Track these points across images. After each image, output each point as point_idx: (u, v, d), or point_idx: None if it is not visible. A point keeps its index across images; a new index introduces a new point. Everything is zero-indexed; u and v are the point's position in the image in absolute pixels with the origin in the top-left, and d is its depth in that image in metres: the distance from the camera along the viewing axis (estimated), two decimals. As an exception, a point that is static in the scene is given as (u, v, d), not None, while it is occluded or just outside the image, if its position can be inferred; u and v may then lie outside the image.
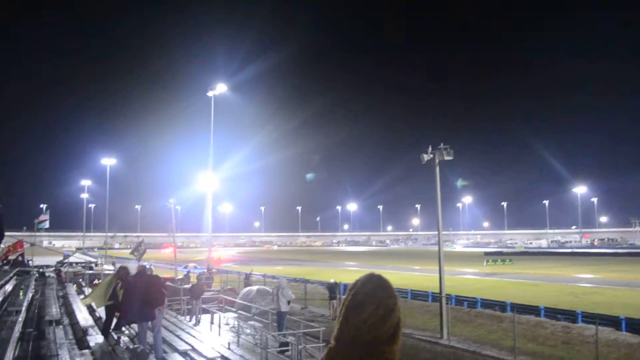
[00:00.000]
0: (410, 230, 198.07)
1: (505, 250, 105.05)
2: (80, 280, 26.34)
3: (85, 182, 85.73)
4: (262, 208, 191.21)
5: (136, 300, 10.64)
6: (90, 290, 12.74)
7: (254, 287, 24.10)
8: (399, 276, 40.86)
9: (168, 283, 22.03)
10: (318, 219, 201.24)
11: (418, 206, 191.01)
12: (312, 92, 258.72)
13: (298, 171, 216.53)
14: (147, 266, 34.48)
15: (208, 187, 37.39)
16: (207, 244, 43.98)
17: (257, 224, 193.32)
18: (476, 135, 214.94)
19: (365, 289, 1.41)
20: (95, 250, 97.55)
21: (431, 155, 21.30)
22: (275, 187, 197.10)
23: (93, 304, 12.81)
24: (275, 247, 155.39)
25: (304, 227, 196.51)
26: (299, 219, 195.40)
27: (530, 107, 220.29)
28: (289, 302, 17.01)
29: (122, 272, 11.29)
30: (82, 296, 15.18)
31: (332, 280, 24.96)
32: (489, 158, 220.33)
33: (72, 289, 22.07)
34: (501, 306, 23.98)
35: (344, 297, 1.47)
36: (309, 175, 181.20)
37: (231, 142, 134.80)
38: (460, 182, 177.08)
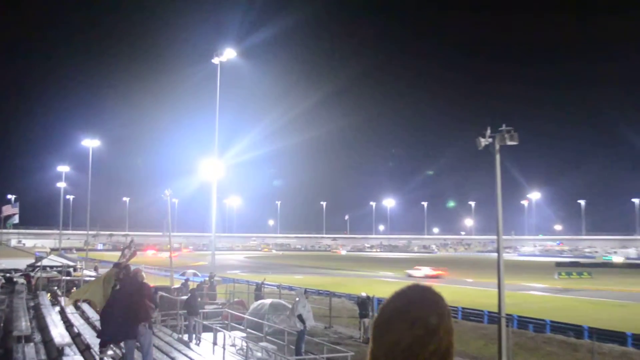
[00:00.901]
0: (462, 233, 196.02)
1: (582, 260, 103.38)
2: (56, 288, 26.34)
3: (63, 169, 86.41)
4: (278, 203, 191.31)
5: (118, 311, 10.45)
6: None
7: (267, 301, 24.20)
8: (447, 290, 39.48)
9: (162, 293, 22.62)
10: (347, 217, 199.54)
11: (472, 204, 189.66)
12: (342, 60, 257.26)
13: (322, 158, 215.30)
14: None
15: (212, 176, 37.19)
16: (210, 246, 44.16)
17: (271, 222, 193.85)
18: (548, 119, 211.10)
19: (398, 302, 1.35)
20: (74, 251, 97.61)
21: (490, 140, 20.87)
22: (294, 178, 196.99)
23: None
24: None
25: (330, 227, 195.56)
26: (323, 218, 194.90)
27: (616, 88, 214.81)
28: (300, 317, 17.07)
29: (124, 271, 11.13)
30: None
31: (363, 294, 24.72)
32: (564, 145, 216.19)
33: (45, 298, 22.67)
34: (577, 331, 23.58)
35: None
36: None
37: (240, 122, 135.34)
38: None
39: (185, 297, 21.94)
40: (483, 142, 20.95)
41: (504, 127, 20.95)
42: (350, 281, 52.24)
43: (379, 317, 1.36)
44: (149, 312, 10.99)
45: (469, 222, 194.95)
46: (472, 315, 27.89)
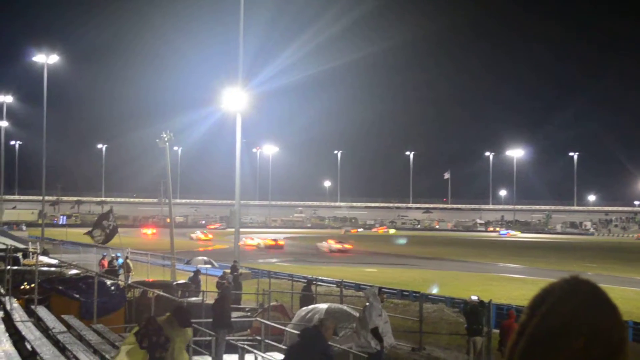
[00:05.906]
0: (636, 204, 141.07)
1: None
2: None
3: (3, 99, 67.82)
4: (338, 154, 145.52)
5: None
6: None
7: (322, 306, 20.96)
8: (611, 294, 30.50)
9: (159, 293, 19.85)
10: (447, 176, 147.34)
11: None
12: None
13: (404, 83, 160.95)
14: (117, 256, 29.68)
15: (235, 104, 30.90)
16: (232, 220, 39.69)
17: (327, 184, 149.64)
18: None
19: (568, 305, 1.13)
20: (24, 227, 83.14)
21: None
22: (361, 116, 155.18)
23: None
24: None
25: (418, 192, 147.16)
26: (409, 177, 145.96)
27: None
28: (374, 332, 14.17)
29: None
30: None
31: (473, 298, 20.31)
32: None
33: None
34: None
35: (521, 320, 1.17)
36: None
37: (276, 32, 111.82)
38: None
39: (194, 299, 19.93)
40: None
41: None
42: (451, 277, 42.76)
43: (541, 326, 1.08)
44: None
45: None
46: (655, 336, 23.06)
